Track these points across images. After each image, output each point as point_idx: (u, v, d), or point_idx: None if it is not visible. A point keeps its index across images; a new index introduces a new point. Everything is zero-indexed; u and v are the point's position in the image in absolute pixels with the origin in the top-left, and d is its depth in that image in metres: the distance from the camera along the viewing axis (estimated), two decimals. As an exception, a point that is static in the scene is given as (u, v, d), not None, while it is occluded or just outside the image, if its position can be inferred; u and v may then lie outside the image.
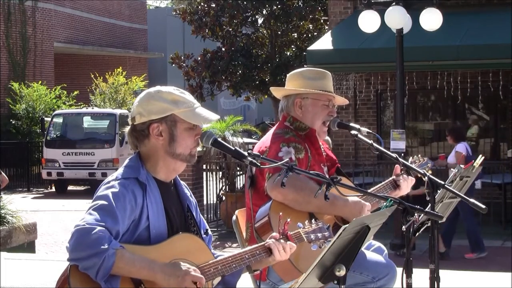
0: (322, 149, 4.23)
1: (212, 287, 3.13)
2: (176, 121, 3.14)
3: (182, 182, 3.36)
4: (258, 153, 3.34)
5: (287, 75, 4.33)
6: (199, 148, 3.31)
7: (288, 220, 3.33)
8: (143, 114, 3.14)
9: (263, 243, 3.25)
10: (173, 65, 20.97)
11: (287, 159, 3.49)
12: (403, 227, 3.22)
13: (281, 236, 3.27)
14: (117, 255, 2.84)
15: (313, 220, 3.43)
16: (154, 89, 3.21)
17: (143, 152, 3.19)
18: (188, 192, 3.35)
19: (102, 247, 2.81)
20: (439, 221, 3.52)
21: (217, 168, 13.98)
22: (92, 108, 22.65)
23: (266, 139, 4.14)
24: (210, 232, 3.39)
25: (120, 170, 3.13)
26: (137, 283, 2.95)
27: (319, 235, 3.36)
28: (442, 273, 3.80)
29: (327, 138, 4.22)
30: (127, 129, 3.22)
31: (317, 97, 4.15)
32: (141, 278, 2.94)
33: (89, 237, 2.83)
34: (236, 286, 3.26)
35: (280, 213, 3.43)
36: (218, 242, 11.94)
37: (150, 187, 3.10)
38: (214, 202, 13.99)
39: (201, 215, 3.40)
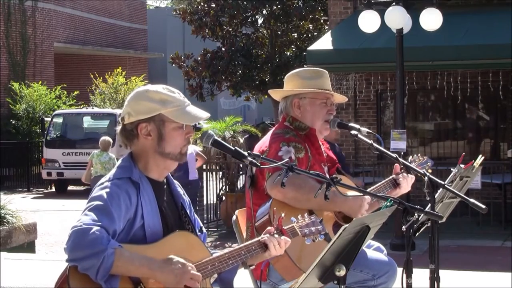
0: (323, 149, 4.23)
1: (210, 284, 3.14)
2: (164, 121, 3.14)
3: (175, 181, 3.36)
4: (258, 153, 3.35)
5: (285, 76, 4.32)
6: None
7: (282, 215, 3.33)
8: (132, 114, 3.15)
9: (258, 238, 3.26)
10: (173, 65, 20.96)
11: (287, 159, 3.48)
12: (403, 227, 3.22)
13: (275, 231, 3.28)
14: (116, 254, 2.84)
15: (306, 214, 3.43)
16: (142, 89, 3.22)
17: (134, 152, 3.20)
18: (181, 190, 3.35)
19: (101, 246, 2.82)
20: (439, 221, 3.53)
21: (217, 168, 13.98)
22: (92, 108, 22.65)
23: (266, 139, 4.15)
24: (204, 230, 3.39)
25: (113, 171, 3.14)
26: (136, 283, 2.95)
27: (313, 229, 3.37)
28: (442, 273, 3.80)
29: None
30: (118, 128, 3.23)
31: (314, 96, 4.15)
32: (140, 276, 2.94)
33: (87, 237, 2.83)
34: (233, 282, 3.27)
35: (274, 208, 3.43)
36: (218, 242, 11.94)
37: (144, 186, 3.11)
38: (214, 202, 13.99)
39: (195, 213, 3.41)
